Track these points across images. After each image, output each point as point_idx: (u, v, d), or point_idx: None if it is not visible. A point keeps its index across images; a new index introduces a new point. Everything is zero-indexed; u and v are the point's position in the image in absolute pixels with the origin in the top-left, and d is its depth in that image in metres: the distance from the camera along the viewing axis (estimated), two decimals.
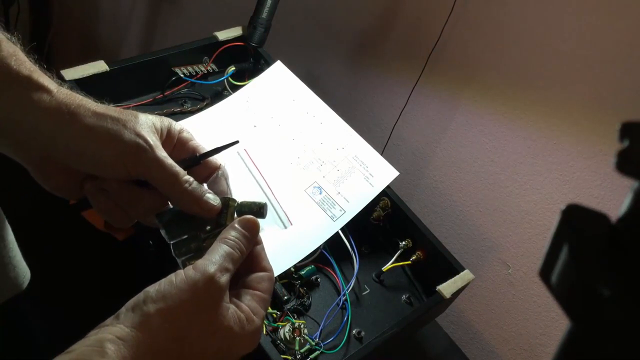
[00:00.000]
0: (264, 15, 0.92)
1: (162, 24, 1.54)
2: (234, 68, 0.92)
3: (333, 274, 0.77)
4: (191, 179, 0.45)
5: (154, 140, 0.43)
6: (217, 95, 0.92)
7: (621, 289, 0.22)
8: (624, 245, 0.23)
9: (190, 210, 0.45)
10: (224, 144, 0.48)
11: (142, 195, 0.45)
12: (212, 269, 0.39)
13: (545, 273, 0.25)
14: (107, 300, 0.80)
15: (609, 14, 0.77)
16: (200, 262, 0.39)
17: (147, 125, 0.44)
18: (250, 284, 0.43)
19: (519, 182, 0.93)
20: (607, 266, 0.23)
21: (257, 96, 0.87)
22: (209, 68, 0.92)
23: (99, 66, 0.80)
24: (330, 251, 0.78)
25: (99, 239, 0.83)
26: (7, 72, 0.39)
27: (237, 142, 0.49)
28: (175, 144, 0.47)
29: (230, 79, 0.92)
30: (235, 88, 0.91)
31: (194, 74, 0.91)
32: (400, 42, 1.06)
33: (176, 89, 0.90)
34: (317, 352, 0.69)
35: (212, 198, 0.45)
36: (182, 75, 0.89)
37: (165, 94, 0.88)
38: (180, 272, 0.39)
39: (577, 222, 0.24)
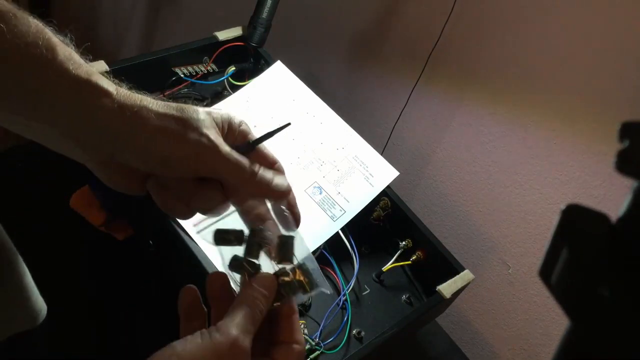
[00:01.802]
0: (264, 15, 0.92)
1: (162, 24, 1.54)
2: (234, 68, 0.92)
3: (333, 274, 0.77)
4: (257, 166, 0.46)
5: (216, 137, 0.44)
6: (217, 95, 0.92)
7: (621, 289, 0.22)
8: (624, 245, 0.23)
9: (263, 196, 0.46)
10: (277, 128, 0.48)
11: (204, 190, 0.45)
12: (235, 331, 0.39)
13: (545, 273, 0.25)
14: (107, 300, 0.80)
15: (609, 14, 0.77)
16: (223, 325, 0.40)
17: (209, 122, 0.44)
18: (274, 355, 0.43)
19: (519, 182, 0.93)
20: (607, 266, 0.23)
21: (257, 96, 0.87)
22: (209, 68, 0.92)
23: (99, 66, 0.80)
24: (330, 251, 0.78)
25: (99, 239, 0.83)
26: (67, 76, 0.39)
27: (289, 124, 0.49)
28: (236, 137, 0.48)
29: (230, 79, 0.92)
30: (235, 88, 0.91)
31: (194, 74, 0.91)
32: (400, 42, 1.06)
33: (176, 89, 0.89)
34: (317, 352, 0.69)
35: (281, 180, 0.47)
36: (182, 75, 0.89)
37: (165, 94, 0.88)
38: (205, 333, 0.39)
39: (577, 222, 0.24)
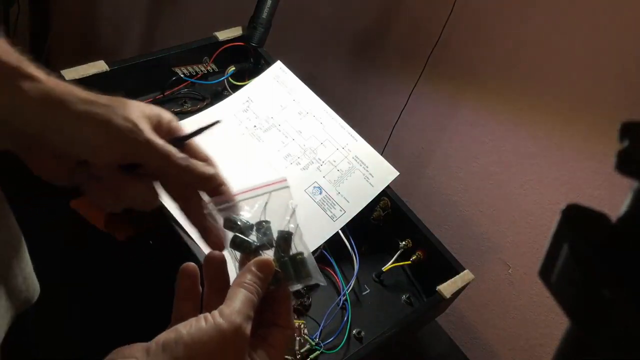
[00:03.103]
0: (264, 15, 0.92)
1: (162, 24, 1.54)
2: (234, 68, 0.92)
3: (333, 274, 0.77)
4: (184, 154, 0.45)
5: (144, 124, 0.44)
6: (217, 95, 0.92)
7: (621, 289, 0.22)
8: (624, 245, 0.23)
9: (189, 183, 0.46)
10: (207, 124, 0.48)
11: (132, 181, 0.45)
12: (238, 319, 0.40)
13: (545, 273, 0.25)
14: (107, 300, 0.80)
15: (609, 14, 0.77)
16: (225, 310, 0.40)
17: (137, 111, 0.44)
18: (268, 338, 0.44)
19: (519, 182, 0.93)
20: (607, 266, 0.23)
21: (257, 96, 0.87)
22: (209, 68, 0.92)
23: (99, 66, 0.80)
24: (330, 251, 0.78)
25: (99, 239, 0.83)
26: None
27: (219, 121, 0.49)
28: (165, 133, 0.47)
29: (230, 79, 0.92)
30: (235, 88, 0.91)
31: (194, 74, 0.91)
32: (400, 42, 1.06)
33: (176, 89, 0.89)
34: (317, 352, 0.69)
35: (209, 168, 0.46)
36: (182, 75, 0.89)
37: (165, 94, 0.88)
38: (209, 318, 0.40)
39: (577, 222, 0.24)
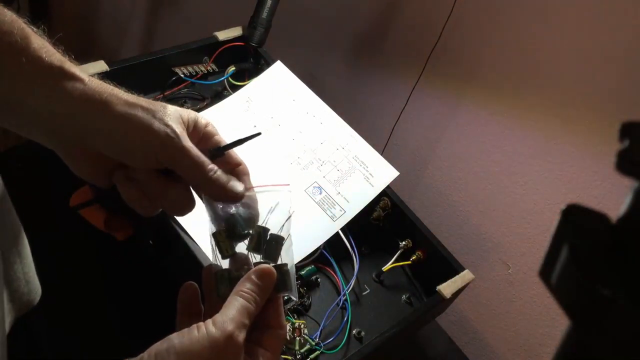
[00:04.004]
0: (264, 15, 0.92)
1: (162, 24, 1.54)
2: (234, 68, 0.92)
3: (333, 274, 0.77)
4: (216, 167, 0.46)
5: (181, 131, 0.44)
6: (217, 95, 0.92)
7: (621, 289, 0.22)
8: (624, 245, 0.23)
9: (216, 197, 0.47)
10: (247, 136, 0.49)
11: (169, 186, 0.46)
12: (230, 326, 0.40)
13: (545, 273, 0.25)
14: (107, 300, 0.80)
15: (609, 14, 0.77)
16: (219, 319, 0.40)
17: (175, 116, 0.45)
18: (263, 342, 0.44)
19: (519, 182, 0.93)
20: (607, 266, 0.23)
21: (257, 96, 0.87)
22: (209, 68, 0.92)
23: (99, 66, 0.80)
24: (330, 251, 0.78)
25: (99, 239, 0.83)
26: (40, 63, 0.40)
27: (259, 134, 0.50)
28: (201, 137, 0.48)
29: (230, 79, 0.92)
30: (235, 88, 0.91)
31: (194, 74, 0.91)
32: (400, 42, 1.06)
33: (176, 89, 0.90)
34: (317, 352, 0.69)
35: (238, 185, 0.47)
36: (182, 75, 0.89)
37: (165, 94, 0.88)
38: (202, 327, 0.39)
39: (577, 222, 0.24)
